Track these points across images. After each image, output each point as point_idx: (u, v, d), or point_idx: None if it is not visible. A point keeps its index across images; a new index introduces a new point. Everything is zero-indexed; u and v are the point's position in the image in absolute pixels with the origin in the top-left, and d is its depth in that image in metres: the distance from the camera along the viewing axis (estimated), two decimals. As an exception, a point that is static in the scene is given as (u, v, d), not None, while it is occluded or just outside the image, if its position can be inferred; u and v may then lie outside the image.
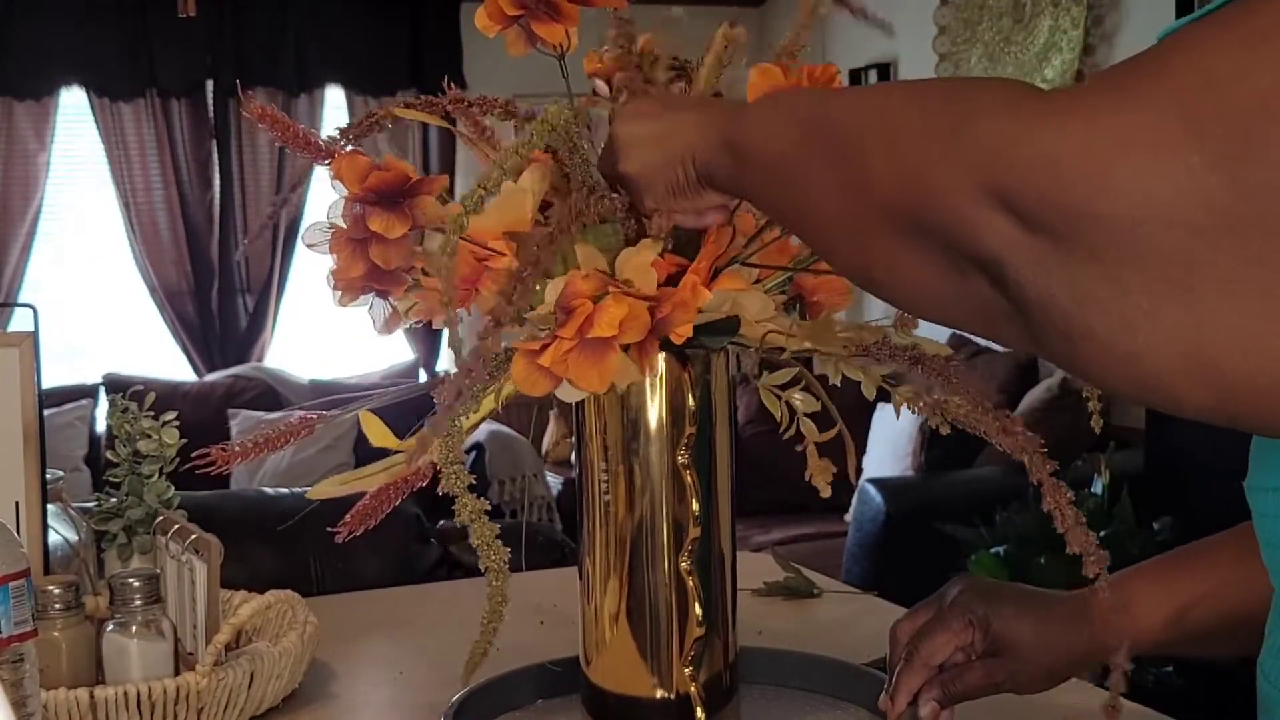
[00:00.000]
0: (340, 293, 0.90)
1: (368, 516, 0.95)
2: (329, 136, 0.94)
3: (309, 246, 0.90)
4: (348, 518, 0.95)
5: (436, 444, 0.81)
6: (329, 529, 0.95)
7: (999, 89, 0.54)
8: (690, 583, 0.92)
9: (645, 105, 0.84)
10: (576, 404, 0.95)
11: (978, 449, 3.93)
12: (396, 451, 0.93)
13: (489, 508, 0.82)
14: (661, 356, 0.91)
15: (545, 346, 0.81)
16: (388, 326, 0.93)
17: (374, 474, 0.94)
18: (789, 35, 0.91)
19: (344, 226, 0.87)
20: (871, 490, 3.77)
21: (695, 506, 0.92)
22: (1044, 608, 0.94)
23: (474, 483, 0.82)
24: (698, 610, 0.92)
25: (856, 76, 5.21)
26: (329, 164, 0.89)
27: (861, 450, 4.34)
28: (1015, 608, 0.94)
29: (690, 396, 0.92)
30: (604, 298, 0.82)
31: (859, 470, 4.25)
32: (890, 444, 4.24)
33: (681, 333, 0.84)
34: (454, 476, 0.80)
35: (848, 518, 3.99)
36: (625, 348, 0.83)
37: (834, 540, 4.16)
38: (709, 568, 0.95)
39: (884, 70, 5.18)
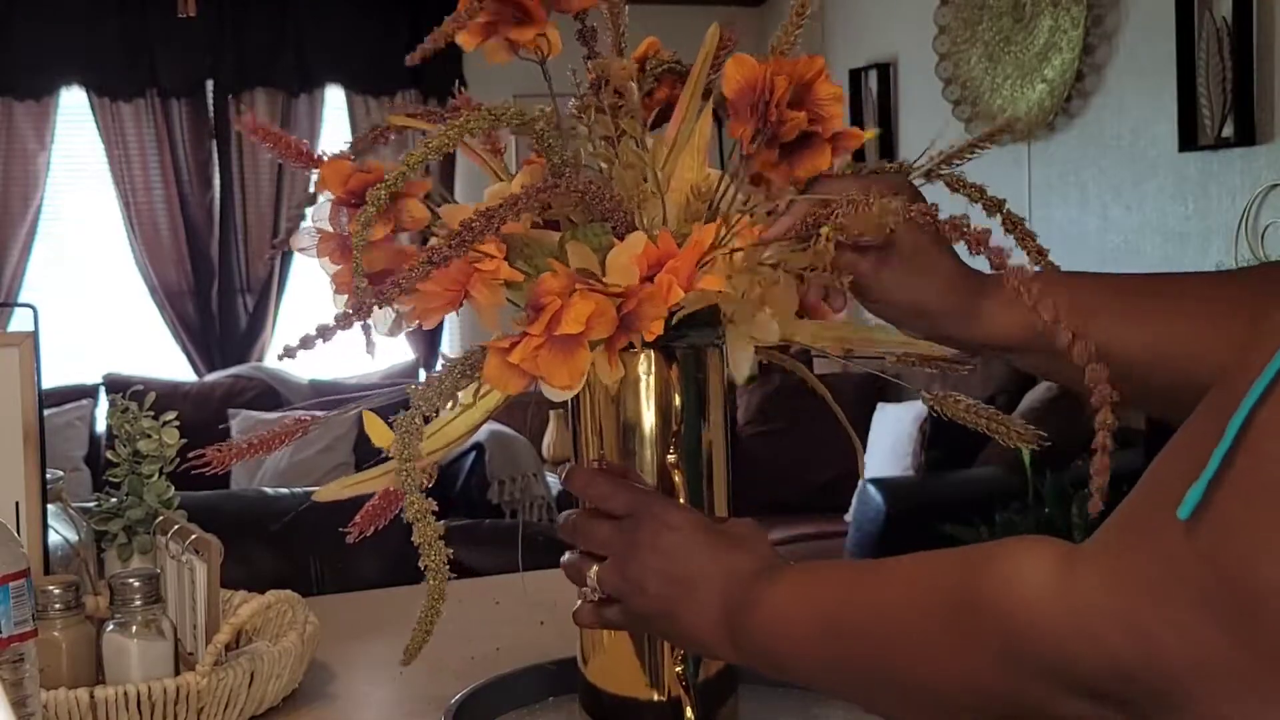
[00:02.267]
0: (344, 295, 0.90)
1: (377, 517, 0.96)
2: (342, 147, 0.94)
3: (299, 251, 0.91)
4: (358, 518, 0.95)
5: (394, 443, 0.82)
6: (340, 529, 0.95)
7: (1004, 579, 0.62)
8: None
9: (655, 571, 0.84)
10: (573, 404, 0.95)
11: (978, 449, 3.93)
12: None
13: (435, 508, 0.82)
14: (652, 355, 0.91)
15: (515, 344, 0.81)
16: (393, 329, 0.93)
17: (378, 475, 0.94)
18: (778, 34, 0.91)
19: (330, 230, 0.88)
20: (871, 490, 3.77)
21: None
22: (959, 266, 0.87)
23: (426, 483, 0.82)
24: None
25: (856, 75, 5.21)
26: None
27: (861, 450, 4.34)
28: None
29: (676, 395, 0.92)
30: (573, 294, 0.82)
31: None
32: (890, 444, 4.24)
33: (653, 329, 0.84)
34: (407, 475, 0.81)
35: (848, 518, 4.00)
36: (597, 345, 0.83)
37: (834, 540, 4.16)
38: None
39: (884, 69, 5.18)
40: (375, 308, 0.82)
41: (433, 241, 0.89)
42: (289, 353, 0.82)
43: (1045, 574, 0.59)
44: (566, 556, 0.92)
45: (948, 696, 0.66)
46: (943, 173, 0.92)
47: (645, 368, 0.92)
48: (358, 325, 0.85)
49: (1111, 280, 0.89)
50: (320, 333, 0.81)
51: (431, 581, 0.83)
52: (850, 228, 0.80)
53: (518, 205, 0.81)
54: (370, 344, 0.84)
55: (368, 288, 0.80)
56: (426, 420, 0.85)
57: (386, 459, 0.90)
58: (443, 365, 0.87)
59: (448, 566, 0.83)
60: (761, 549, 0.83)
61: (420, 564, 0.82)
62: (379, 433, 0.91)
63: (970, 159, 0.93)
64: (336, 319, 0.81)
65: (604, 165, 0.91)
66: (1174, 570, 0.54)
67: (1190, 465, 0.54)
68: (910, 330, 0.91)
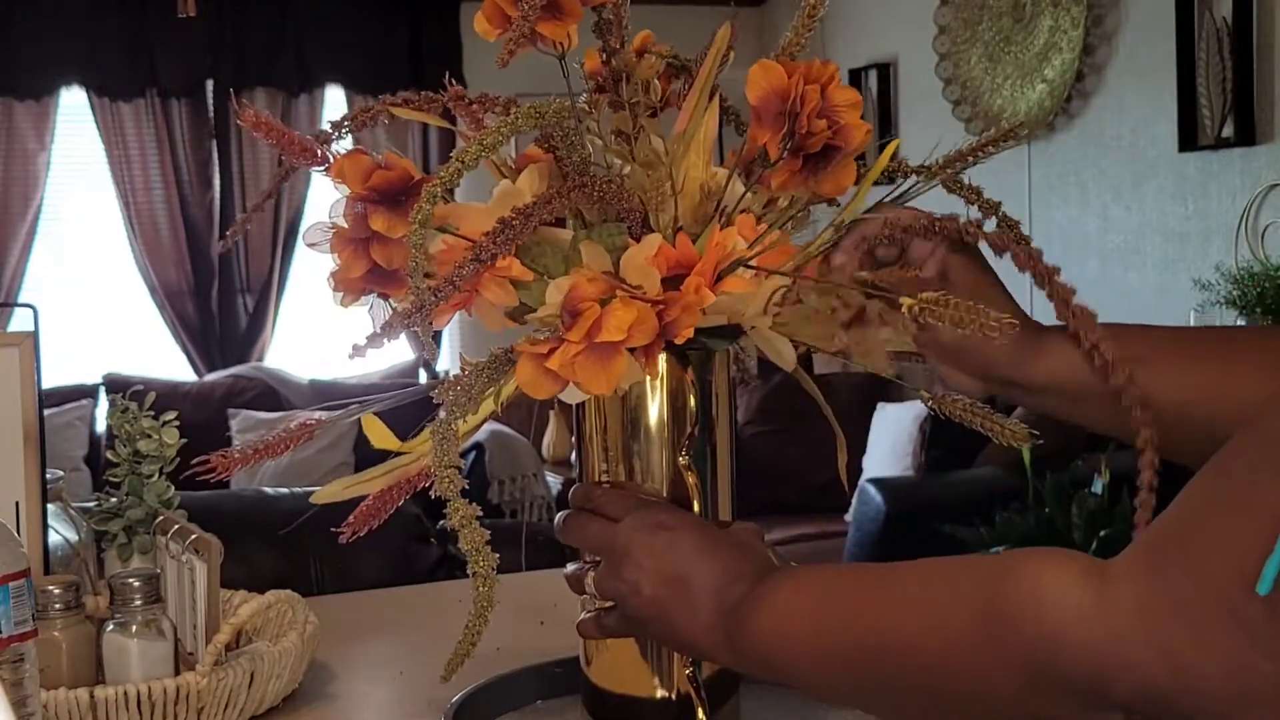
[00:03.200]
0: (341, 294, 0.90)
1: (371, 518, 0.95)
2: (323, 129, 0.93)
3: (310, 246, 0.90)
4: (351, 519, 0.95)
5: (432, 451, 0.81)
6: (332, 529, 0.95)
7: (1035, 593, 0.61)
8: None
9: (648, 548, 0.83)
10: (576, 404, 0.95)
11: (978, 449, 3.93)
12: (398, 453, 0.93)
13: (480, 513, 0.81)
14: (662, 357, 0.91)
15: (553, 350, 0.81)
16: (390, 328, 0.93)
17: (377, 476, 0.94)
18: (788, 35, 0.91)
19: (345, 226, 0.87)
20: (871, 490, 3.77)
21: (696, 507, 0.92)
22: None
23: (466, 487, 0.81)
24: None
25: (856, 75, 5.21)
26: (326, 170, 0.89)
27: (861, 450, 4.34)
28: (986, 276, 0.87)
29: (691, 397, 0.92)
30: (611, 301, 0.81)
31: (859, 470, 4.25)
32: (890, 444, 4.23)
33: (684, 335, 0.84)
34: (447, 480, 0.80)
35: (848, 517, 3.99)
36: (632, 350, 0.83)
37: (834, 540, 4.16)
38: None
39: (884, 69, 5.18)
40: (443, 300, 0.81)
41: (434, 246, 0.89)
42: (359, 351, 0.81)
43: (1076, 594, 0.59)
44: (569, 567, 0.92)
45: (962, 708, 0.67)
46: (947, 175, 0.92)
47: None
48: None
49: (1161, 330, 0.90)
50: (385, 331, 0.81)
51: (480, 588, 0.81)
52: (940, 314, 0.78)
53: (552, 203, 0.81)
54: (430, 347, 0.84)
55: (428, 286, 0.79)
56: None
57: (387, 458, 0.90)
58: (467, 367, 0.86)
59: (495, 572, 0.81)
60: (760, 553, 0.83)
61: (469, 570, 0.81)
62: (379, 435, 0.91)
63: (977, 163, 0.93)
64: (400, 315, 0.80)
65: (618, 162, 0.91)
66: (1217, 597, 0.54)
67: (1239, 504, 0.54)
68: (959, 370, 0.91)
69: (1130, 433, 0.82)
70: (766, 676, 0.80)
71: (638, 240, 0.86)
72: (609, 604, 0.88)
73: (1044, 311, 0.87)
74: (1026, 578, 0.62)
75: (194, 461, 0.90)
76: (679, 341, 0.84)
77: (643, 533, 0.84)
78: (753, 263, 0.87)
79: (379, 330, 0.81)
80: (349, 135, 0.94)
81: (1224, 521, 0.55)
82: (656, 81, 0.92)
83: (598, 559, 0.88)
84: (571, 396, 0.85)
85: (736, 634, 0.79)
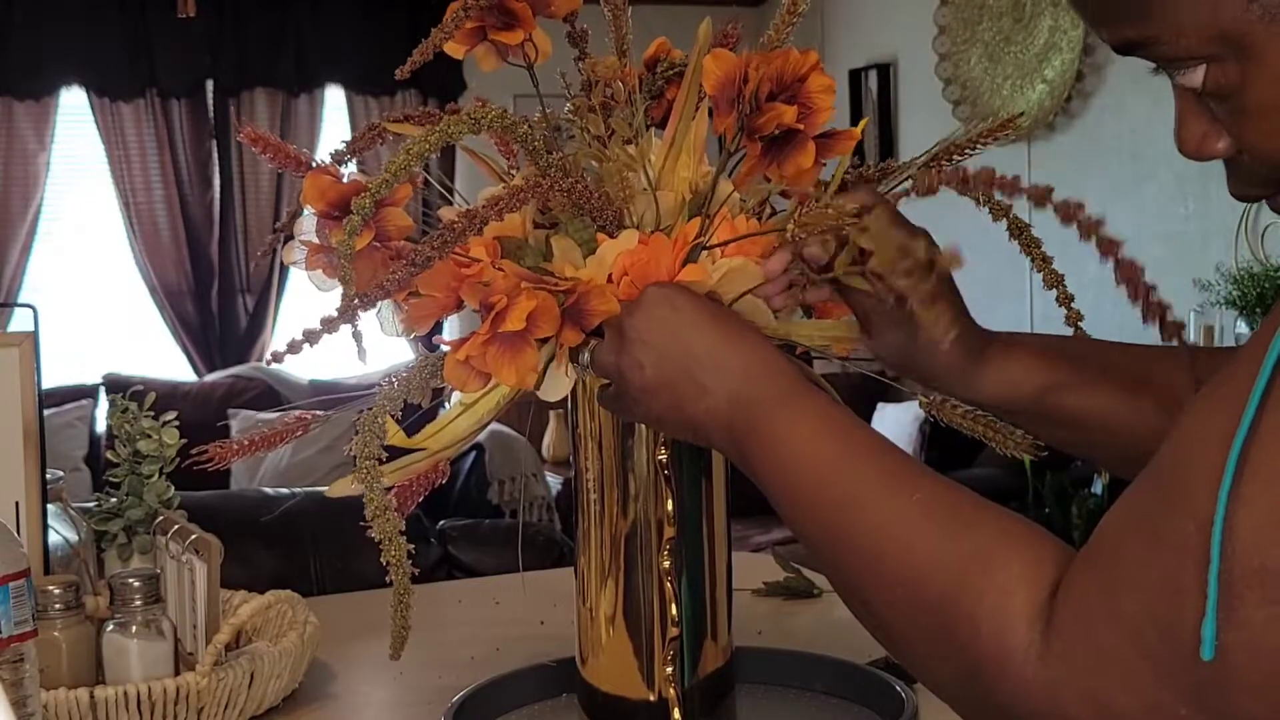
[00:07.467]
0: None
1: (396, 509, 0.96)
2: (332, 151, 0.94)
3: (289, 264, 0.91)
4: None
5: (356, 442, 0.82)
6: (361, 523, 0.95)
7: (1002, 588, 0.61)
8: (668, 583, 0.93)
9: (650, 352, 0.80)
10: (572, 404, 0.95)
11: (978, 449, 3.93)
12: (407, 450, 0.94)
13: (394, 505, 0.84)
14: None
15: (463, 343, 0.82)
16: (390, 329, 0.94)
17: (390, 472, 0.94)
18: (769, 31, 0.90)
19: (315, 242, 0.88)
20: (871, 490, 3.76)
21: (670, 506, 0.92)
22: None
23: (385, 483, 0.85)
24: (673, 611, 0.92)
25: (856, 76, 5.20)
26: None
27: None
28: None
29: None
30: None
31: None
32: (890, 444, 4.23)
33: (593, 321, 0.84)
34: (365, 471, 0.81)
35: (847, 517, 3.99)
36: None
37: (834, 540, 4.15)
38: (700, 568, 0.95)
39: (884, 69, 5.18)
40: (371, 309, 0.82)
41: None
42: (276, 358, 0.83)
43: (1027, 633, 0.58)
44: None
45: (901, 653, 0.67)
46: (945, 167, 0.92)
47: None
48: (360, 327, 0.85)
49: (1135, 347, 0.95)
50: (307, 337, 0.82)
51: (396, 576, 0.85)
52: (812, 225, 0.81)
53: (499, 206, 0.81)
54: (361, 351, 0.85)
55: (355, 293, 0.80)
56: (432, 416, 0.85)
57: (398, 455, 0.91)
58: (412, 363, 0.88)
59: (410, 561, 0.85)
60: (777, 354, 0.80)
61: (381, 559, 0.83)
62: (389, 430, 0.91)
63: (973, 154, 0.93)
64: (323, 323, 0.82)
65: (595, 164, 0.91)
66: (1136, 644, 0.54)
67: (1149, 541, 0.55)
68: (908, 376, 0.93)
69: (1059, 443, 0.88)
70: (749, 476, 0.77)
71: (609, 233, 0.86)
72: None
73: (1045, 319, 0.89)
74: (995, 588, 0.60)
75: (193, 451, 0.91)
76: (588, 327, 0.84)
77: (653, 311, 0.81)
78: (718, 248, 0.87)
79: (302, 336, 0.83)
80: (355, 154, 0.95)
81: (1137, 560, 0.55)
82: (620, 82, 0.92)
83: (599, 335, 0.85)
84: (548, 394, 0.85)
85: (743, 434, 0.76)
